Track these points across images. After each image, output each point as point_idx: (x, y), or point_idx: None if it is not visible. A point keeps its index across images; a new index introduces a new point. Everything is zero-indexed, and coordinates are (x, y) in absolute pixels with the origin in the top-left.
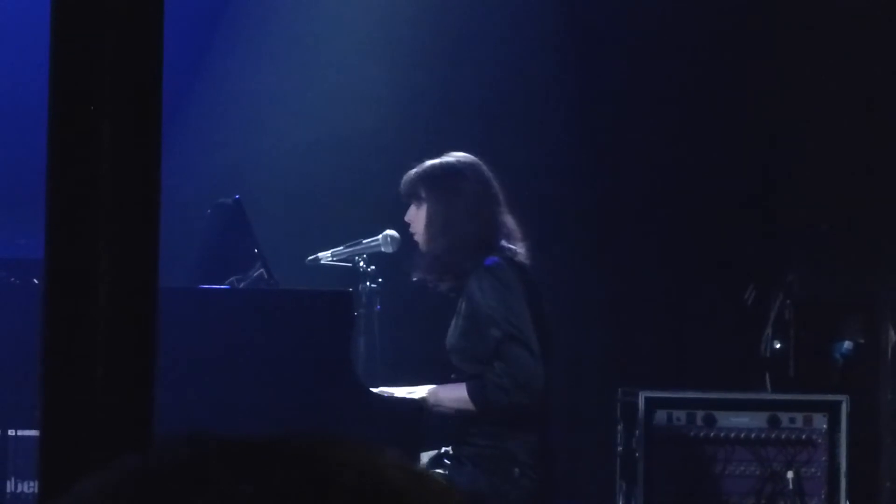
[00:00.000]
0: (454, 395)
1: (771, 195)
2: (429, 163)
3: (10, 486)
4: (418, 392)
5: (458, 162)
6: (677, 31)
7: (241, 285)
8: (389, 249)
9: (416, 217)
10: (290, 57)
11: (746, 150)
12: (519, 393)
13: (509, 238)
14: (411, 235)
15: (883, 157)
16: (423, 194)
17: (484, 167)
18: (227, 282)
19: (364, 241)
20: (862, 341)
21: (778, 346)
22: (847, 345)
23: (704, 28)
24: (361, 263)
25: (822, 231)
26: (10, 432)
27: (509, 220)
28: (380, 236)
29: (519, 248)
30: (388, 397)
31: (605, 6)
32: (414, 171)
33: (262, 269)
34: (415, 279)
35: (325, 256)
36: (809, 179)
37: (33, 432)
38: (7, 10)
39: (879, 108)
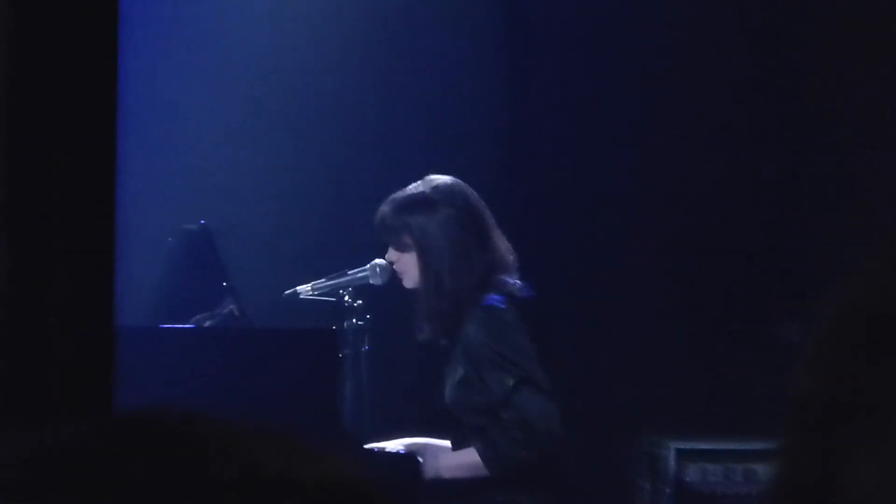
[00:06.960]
0: (461, 461)
1: (815, 223)
2: (403, 197)
3: None
4: (415, 447)
5: (435, 191)
6: (692, 24)
7: (209, 324)
8: (378, 281)
9: (404, 262)
10: (262, 72)
11: (781, 181)
12: (535, 442)
13: (506, 266)
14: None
15: None
16: (409, 241)
17: (468, 190)
18: (192, 320)
19: (350, 273)
20: None
21: None
22: None
23: (717, 20)
24: (347, 298)
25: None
26: None
27: (502, 244)
28: (367, 266)
29: (514, 280)
30: (380, 452)
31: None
32: (389, 212)
33: (232, 306)
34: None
35: (306, 290)
36: (855, 207)
37: None
38: None
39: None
